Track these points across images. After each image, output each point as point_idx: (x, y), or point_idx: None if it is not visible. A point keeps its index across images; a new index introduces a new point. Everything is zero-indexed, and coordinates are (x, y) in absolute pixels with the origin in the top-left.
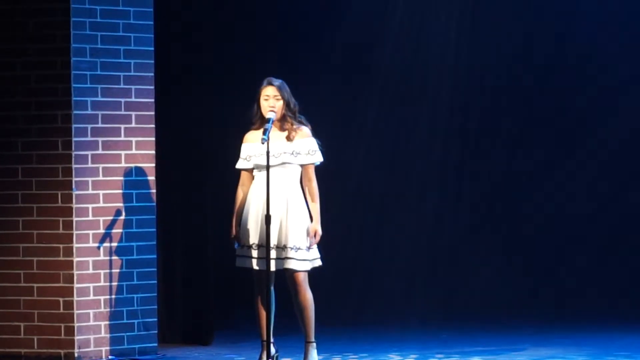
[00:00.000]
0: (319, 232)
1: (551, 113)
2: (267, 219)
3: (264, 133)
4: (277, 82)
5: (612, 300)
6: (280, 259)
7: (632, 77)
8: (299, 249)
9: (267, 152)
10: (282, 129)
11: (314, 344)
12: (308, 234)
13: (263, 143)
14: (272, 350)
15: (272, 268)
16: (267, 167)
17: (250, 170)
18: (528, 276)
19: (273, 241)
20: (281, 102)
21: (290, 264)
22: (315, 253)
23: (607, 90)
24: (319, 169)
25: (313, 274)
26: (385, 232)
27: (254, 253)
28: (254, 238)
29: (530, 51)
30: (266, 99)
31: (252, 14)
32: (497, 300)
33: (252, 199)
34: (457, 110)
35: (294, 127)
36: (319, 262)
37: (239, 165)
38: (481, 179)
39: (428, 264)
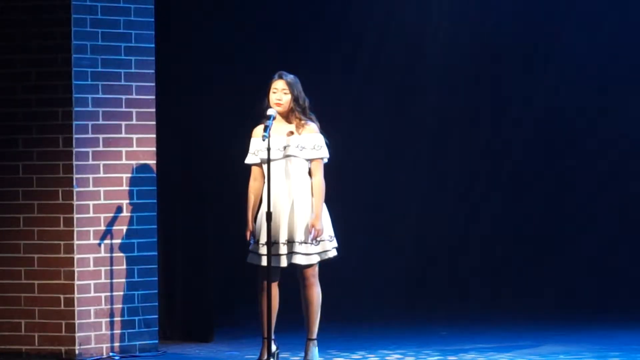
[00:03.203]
0: (317, 227)
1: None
2: (268, 216)
3: (265, 130)
4: (289, 77)
5: (612, 296)
6: (290, 254)
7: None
8: (304, 242)
9: (268, 149)
10: (288, 122)
11: (315, 342)
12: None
13: (264, 140)
14: (273, 347)
15: (285, 264)
16: (268, 164)
17: (260, 165)
18: (529, 274)
19: (284, 237)
20: (289, 96)
21: (297, 259)
22: (325, 245)
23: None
24: (328, 167)
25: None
26: (387, 229)
27: (264, 250)
28: (265, 235)
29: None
30: (274, 92)
31: (254, 11)
32: (498, 298)
33: (263, 196)
34: (462, 108)
35: (302, 122)
36: (332, 254)
37: (248, 160)
38: (486, 176)
39: (428, 261)
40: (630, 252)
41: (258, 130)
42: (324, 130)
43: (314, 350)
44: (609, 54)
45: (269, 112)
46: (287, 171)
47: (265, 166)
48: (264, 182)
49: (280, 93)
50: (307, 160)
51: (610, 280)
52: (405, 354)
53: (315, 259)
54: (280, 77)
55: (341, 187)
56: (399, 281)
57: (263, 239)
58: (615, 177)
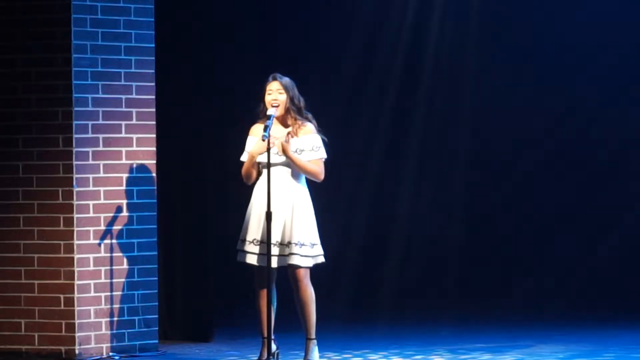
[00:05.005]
0: (283, 142)
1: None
2: (268, 215)
3: (265, 130)
4: (283, 79)
5: (613, 296)
6: (283, 256)
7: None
8: (303, 245)
9: (268, 149)
10: (285, 125)
11: (315, 341)
12: (308, 235)
13: (264, 140)
14: (273, 347)
15: (275, 265)
16: (268, 164)
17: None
18: (529, 274)
19: (277, 238)
20: (284, 96)
21: (294, 260)
22: (318, 250)
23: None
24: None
25: (315, 270)
26: (389, 228)
27: (255, 249)
28: (255, 234)
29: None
30: (269, 93)
31: (254, 11)
32: (498, 297)
33: (257, 196)
34: (463, 109)
35: (298, 122)
36: (322, 259)
37: (244, 158)
38: (488, 176)
39: (428, 262)
40: (631, 252)
41: (255, 129)
42: (321, 128)
43: (314, 349)
44: (617, 54)
45: (269, 111)
46: (286, 175)
47: (264, 168)
48: (258, 184)
49: (275, 93)
50: (307, 162)
51: (611, 281)
52: (405, 353)
53: (310, 262)
54: (275, 79)
55: (340, 187)
56: (399, 281)
57: (250, 237)
58: (617, 176)
